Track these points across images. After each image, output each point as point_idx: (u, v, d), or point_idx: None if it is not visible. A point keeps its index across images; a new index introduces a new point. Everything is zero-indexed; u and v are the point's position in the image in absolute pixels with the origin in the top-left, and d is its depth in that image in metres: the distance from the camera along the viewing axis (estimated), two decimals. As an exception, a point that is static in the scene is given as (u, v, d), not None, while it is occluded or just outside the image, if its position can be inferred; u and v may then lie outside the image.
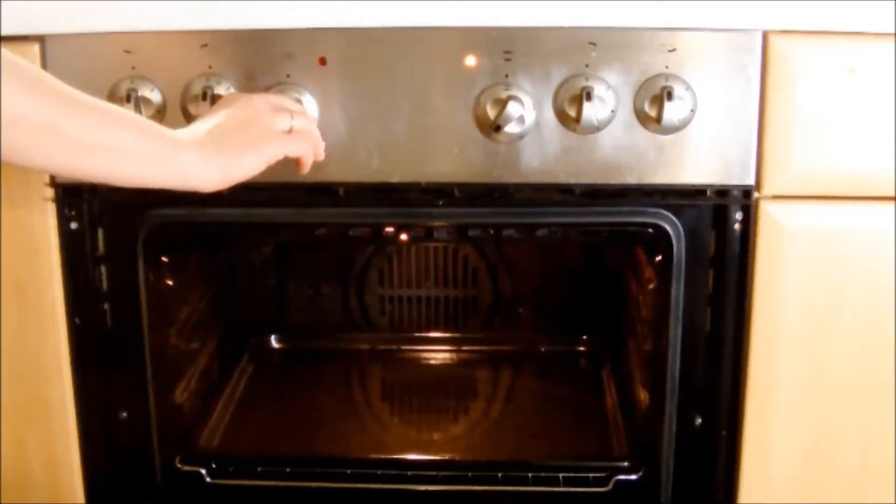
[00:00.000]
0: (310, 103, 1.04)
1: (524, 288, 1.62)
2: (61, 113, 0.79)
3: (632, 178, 1.05)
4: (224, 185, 0.90)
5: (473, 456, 1.28)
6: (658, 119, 1.01)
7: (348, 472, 1.21)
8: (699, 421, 1.13)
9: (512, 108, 1.01)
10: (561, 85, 1.03)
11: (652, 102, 1.02)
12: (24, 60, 0.78)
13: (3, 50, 0.76)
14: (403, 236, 1.25)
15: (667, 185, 1.06)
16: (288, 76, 1.04)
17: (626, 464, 1.21)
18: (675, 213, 1.07)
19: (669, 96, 1.00)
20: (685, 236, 1.08)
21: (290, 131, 0.96)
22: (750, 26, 1.01)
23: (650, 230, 1.09)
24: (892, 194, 1.05)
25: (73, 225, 1.11)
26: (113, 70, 1.05)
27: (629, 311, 1.44)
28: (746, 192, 1.06)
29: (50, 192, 1.09)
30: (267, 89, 1.04)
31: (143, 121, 0.88)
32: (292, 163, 1.05)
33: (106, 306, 1.14)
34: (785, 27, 1.00)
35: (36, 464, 1.17)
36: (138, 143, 0.84)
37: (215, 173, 0.88)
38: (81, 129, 0.81)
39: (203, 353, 1.43)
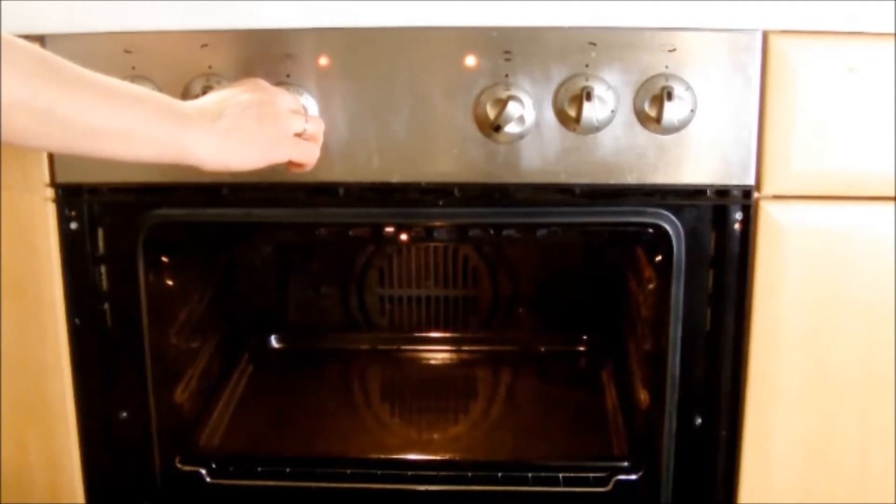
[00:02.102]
0: (310, 103, 1.04)
1: (524, 288, 1.62)
2: (60, 97, 0.79)
3: (632, 178, 1.05)
4: (222, 170, 0.89)
5: (473, 456, 1.27)
6: (658, 119, 1.01)
7: (348, 472, 1.21)
8: (699, 421, 1.13)
9: (512, 108, 1.01)
10: (561, 85, 1.03)
11: (652, 102, 1.02)
12: (26, 42, 0.78)
13: (4, 33, 0.76)
14: (403, 236, 1.25)
15: (667, 185, 1.06)
16: (288, 76, 1.04)
17: (626, 464, 1.21)
18: (675, 213, 1.07)
19: (669, 96, 1.00)
20: (685, 236, 1.08)
21: (302, 133, 0.96)
22: (750, 26, 1.01)
23: (650, 230, 1.09)
24: (892, 194, 1.05)
25: (73, 225, 1.11)
26: (113, 70, 1.03)
27: (629, 311, 1.44)
28: (746, 192, 1.06)
29: (50, 192, 1.09)
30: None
31: (150, 98, 0.87)
32: (292, 163, 1.05)
33: (106, 306, 1.14)
34: (785, 27, 1.00)
35: (36, 464, 1.17)
36: (141, 125, 0.84)
37: (216, 157, 0.88)
38: (81, 114, 0.80)
39: (203, 353, 1.43)
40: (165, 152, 0.86)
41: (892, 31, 0.99)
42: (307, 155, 0.97)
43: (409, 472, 1.22)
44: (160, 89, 1.04)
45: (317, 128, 0.99)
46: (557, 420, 1.37)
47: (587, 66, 1.02)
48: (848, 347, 1.09)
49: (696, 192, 1.07)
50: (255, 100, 0.92)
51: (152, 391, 1.16)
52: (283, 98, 0.96)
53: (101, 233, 1.12)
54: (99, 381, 1.15)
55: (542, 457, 1.25)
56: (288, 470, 1.21)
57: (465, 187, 1.07)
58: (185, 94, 1.04)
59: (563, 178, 1.06)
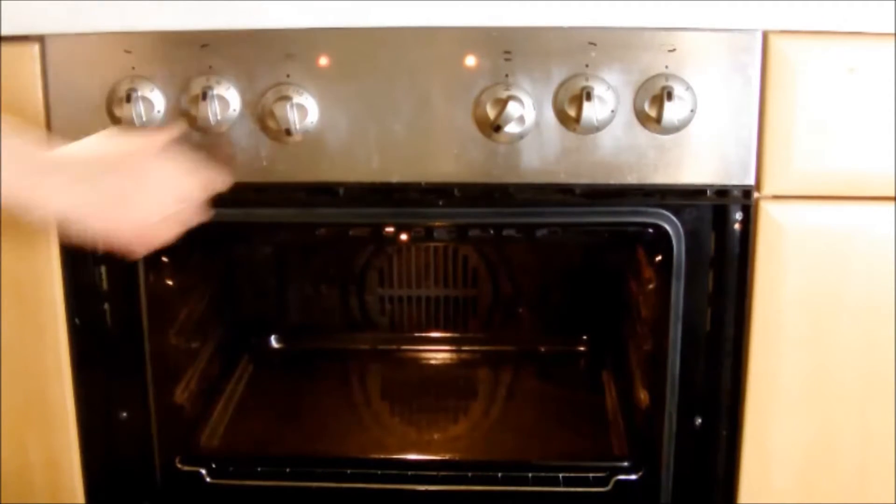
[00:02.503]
0: (310, 103, 1.04)
1: (524, 288, 1.62)
2: None
3: (632, 178, 1.05)
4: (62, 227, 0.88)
5: (473, 456, 1.27)
6: (658, 119, 1.01)
7: (348, 472, 1.21)
8: (699, 421, 1.13)
9: (512, 108, 1.01)
10: (561, 85, 1.03)
11: (652, 102, 1.02)
12: None
13: None
14: (403, 236, 1.25)
15: (667, 185, 1.06)
16: (288, 76, 1.04)
17: (625, 464, 1.21)
18: (675, 213, 1.07)
19: (669, 96, 1.00)
20: (685, 236, 1.08)
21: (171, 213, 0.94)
22: (750, 26, 1.01)
23: (650, 230, 1.09)
24: (892, 194, 1.05)
25: (73, 225, 1.11)
26: (113, 70, 1.05)
27: (629, 311, 1.44)
28: (746, 192, 1.06)
29: (50, 192, 1.09)
30: (267, 89, 1.04)
31: (16, 146, 0.85)
32: (293, 162, 1.06)
33: (106, 306, 1.14)
34: (785, 27, 1.00)
35: (36, 464, 1.17)
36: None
37: (58, 213, 0.87)
38: None
39: (203, 353, 1.43)
40: (15, 197, 0.84)
41: (892, 31, 0.99)
42: (140, 243, 0.94)
43: (409, 472, 1.22)
44: (160, 89, 1.05)
45: (181, 215, 0.96)
46: (557, 420, 1.37)
47: (587, 66, 1.02)
48: (848, 347, 1.09)
49: (696, 192, 1.07)
50: (121, 185, 0.90)
51: (152, 391, 1.16)
52: (162, 184, 0.93)
53: (101, 233, 1.12)
54: (99, 381, 1.15)
55: (542, 457, 1.25)
56: (288, 470, 1.21)
57: (465, 187, 1.07)
58: (186, 94, 1.04)
59: (563, 178, 1.06)
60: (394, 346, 1.62)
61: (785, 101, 1.02)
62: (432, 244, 1.59)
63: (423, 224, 1.17)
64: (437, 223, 1.17)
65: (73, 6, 1.03)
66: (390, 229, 1.22)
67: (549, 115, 1.04)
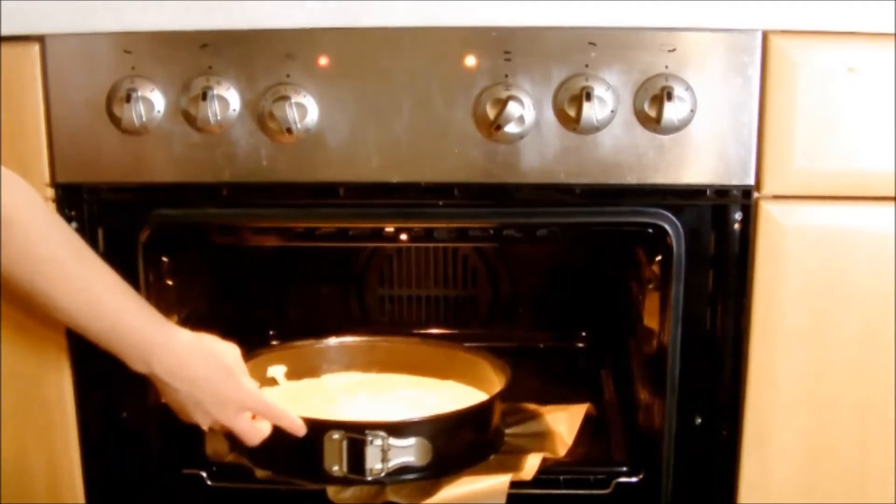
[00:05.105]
0: (310, 103, 1.04)
1: (524, 288, 1.62)
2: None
3: (632, 178, 1.05)
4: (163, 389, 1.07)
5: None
6: (658, 119, 1.01)
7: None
8: (699, 421, 1.13)
9: (512, 108, 1.01)
10: (561, 85, 1.03)
11: (652, 102, 1.02)
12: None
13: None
14: (403, 236, 1.25)
15: (667, 185, 1.06)
16: (288, 76, 1.04)
17: (626, 465, 1.20)
18: (675, 213, 1.07)
19: (669, 96, 1.00)
20: (685, 236, 1.08)
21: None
22: (750, 26, 1.01)
23: (650, 230, 1.09)
24: (892, 194, 1.05)
25: (73, 225, 1.10)
26: (113, 70, 1.05)
27: (629, 311, 1.44)
28: (746, 192, 1.06)
29: (50, 192, 1.09)
30: (267, 89, 1.04)
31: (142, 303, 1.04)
32: (293, 162, 1.06)
33: (106, 306, 1.14)
34: (785, 27, 1.01)
35: (36, 464, 1.17)
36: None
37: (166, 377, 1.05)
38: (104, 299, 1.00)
39: (203, 353, 1.42)
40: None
41: (892, 31, 1.00)
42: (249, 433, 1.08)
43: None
44: (160, 89, 1.05)
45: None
46: (557, 420, 1.37)
47: (587, 66, 1.02)
48: (848, 347, 1.09)
49: (695, 192, 1.07)
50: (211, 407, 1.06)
51: (152, 391, 1.15)
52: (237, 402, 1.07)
53: (101, 233, 1.12)
54: (99, 381, 1.15)
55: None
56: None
57: (465, 187, 1.07)
58: (185, 94, 1.04)
59: (563, 178, 1.06)
60: (394, 346, 1.62)
61: (785, 101, 1.02)
62: (432, 244, 1.59)
63: (423, 224, 1.17)
64: (437, 223, 1.17)
65: (73, 6, 1.03)
66: (390, 229, 1.22)
67: (549, 115, 1.04)
